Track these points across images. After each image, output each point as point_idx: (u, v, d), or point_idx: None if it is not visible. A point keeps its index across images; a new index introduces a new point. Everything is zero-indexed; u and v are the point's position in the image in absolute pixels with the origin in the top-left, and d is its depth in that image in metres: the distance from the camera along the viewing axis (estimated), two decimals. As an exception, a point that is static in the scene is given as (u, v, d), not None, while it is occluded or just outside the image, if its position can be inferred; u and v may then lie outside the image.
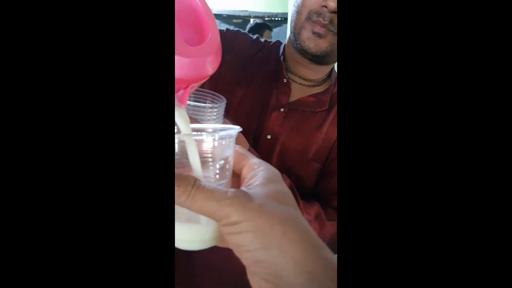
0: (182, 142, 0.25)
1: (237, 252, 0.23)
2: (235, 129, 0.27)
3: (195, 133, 0.28)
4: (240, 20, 3.95)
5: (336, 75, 0.71)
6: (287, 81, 0.66)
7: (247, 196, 0.22)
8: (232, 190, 0.23)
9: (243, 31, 0.76)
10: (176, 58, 0.24)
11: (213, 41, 0.27)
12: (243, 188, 0.25)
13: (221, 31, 0.71)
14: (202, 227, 0.26)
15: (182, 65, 0.24)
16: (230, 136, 0.26)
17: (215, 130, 0.29)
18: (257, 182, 0.24)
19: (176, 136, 0.25)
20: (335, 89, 0.68)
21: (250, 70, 0.68)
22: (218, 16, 3.81)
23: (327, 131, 0.64)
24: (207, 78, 0.28)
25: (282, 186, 0.25)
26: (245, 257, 0.22)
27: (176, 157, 0.25)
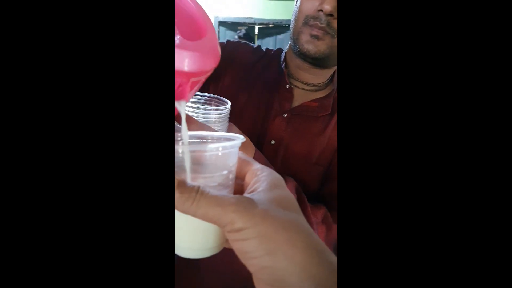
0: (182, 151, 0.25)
1: (242, 259, 0.23)
2: (239, 139, 0.27)
3: (199, 143, 0.28)
4: (245, 27, 3.99)
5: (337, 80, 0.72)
6: (290, 86, 0.67)
7: (251, 202, 0.23)
8: (236, 196, 0.23)
9: (243, 41, 0.77)
10: (176, 51, 0.24)
11: (211, 39, 0.28)
12: (246, 194, 0.25)
13: (222, 43, 0.73)
14: (205, 235, 0.26)
15: (182, 58, 0.25)
16: (234, 147, 0.27)
17: (219, 140, 0.30)
18: (260, 188, 0.25)
19: (178, 146, 0.25)
20: (336, 93, 0.68)
21: (252, 78, 0.69)
22: (224, 23, 3.86)
23: (331, 135, 0.65)
24: (208, 75, 0.28)
25: (285, 192, 0.25)
26: (251, 263, 0.22)
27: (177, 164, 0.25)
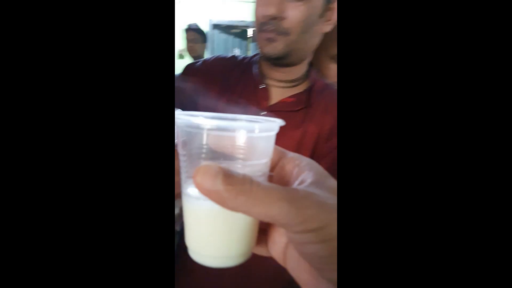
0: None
1: (315, 263, 0.19)
2: (278, 120, 0.22)
3: (241, 129, 0.22)
4: (238, 30, 4.01)
5: (315, 74, 0.76)
6: (266, 86, 0.71)
7: (320, 196, 0.19)
8: (302, 188, 0.19)
9: (217, 55, 0.83)
10: None
11: None
12: (296, 186, 0.21)
13: (197, 63, 0.78)
14: (230, 241, 0.21)
15: None
16: (276, 129, 0.23)
17: (259, 120, 0.24)
18: (311, 179, 0.20)
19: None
20: (314, 87, 0.72)
21: (230, 84, 0.74)
22: (217, 26, 3.87)
23: (308, 126, 0.68)
24: None
25: (333, 180, 0.22)
26: (330, 268, 0.19)
27: (205, 147, 0.21)
